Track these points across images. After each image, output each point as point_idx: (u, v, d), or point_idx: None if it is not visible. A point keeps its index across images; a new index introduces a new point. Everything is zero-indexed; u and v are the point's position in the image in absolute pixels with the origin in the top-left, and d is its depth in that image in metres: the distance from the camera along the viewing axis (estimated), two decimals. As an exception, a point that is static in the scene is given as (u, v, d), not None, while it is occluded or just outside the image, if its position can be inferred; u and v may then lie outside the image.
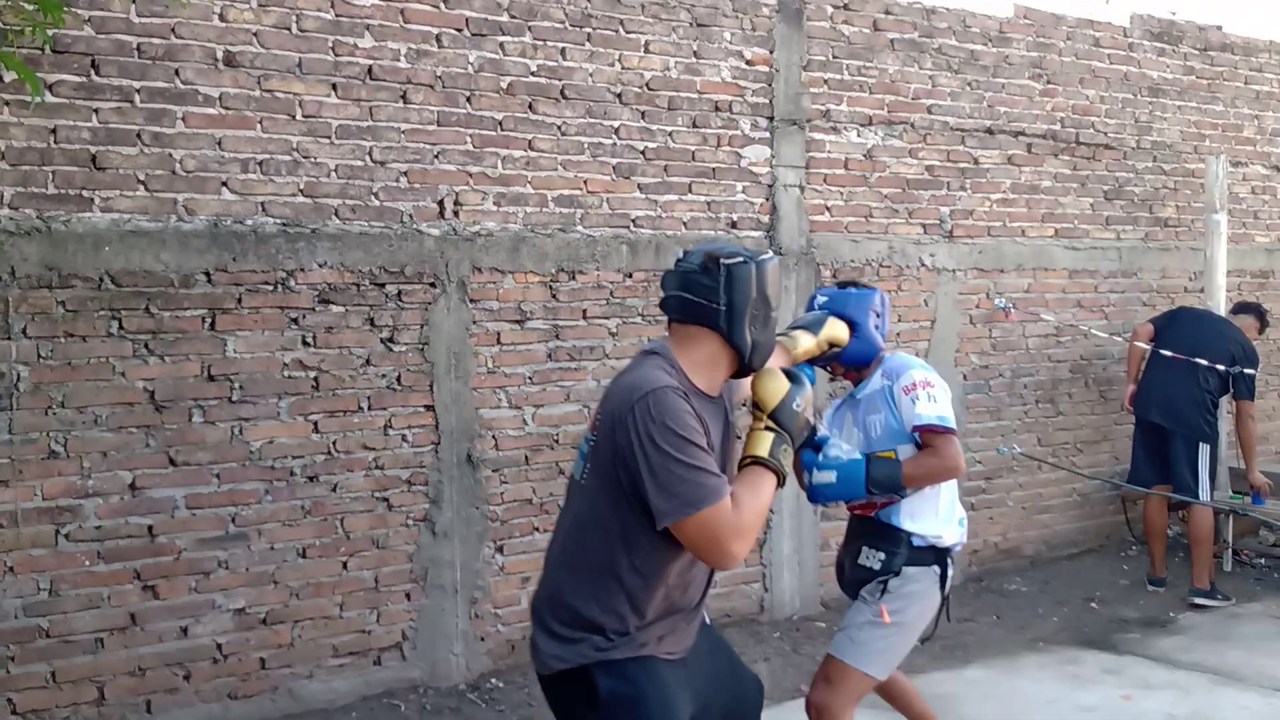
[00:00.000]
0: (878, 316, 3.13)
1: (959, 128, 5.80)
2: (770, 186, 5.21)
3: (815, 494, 3.03)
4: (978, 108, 5.85)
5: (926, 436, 3.02)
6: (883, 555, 3.10)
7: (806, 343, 2.79)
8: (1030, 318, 6.05)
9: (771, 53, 5.17)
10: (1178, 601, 5.58)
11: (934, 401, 3.01)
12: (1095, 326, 6.28)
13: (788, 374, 2.35)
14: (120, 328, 3.82)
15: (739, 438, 2.39)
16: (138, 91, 3.83)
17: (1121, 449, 6.50)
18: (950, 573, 3.15)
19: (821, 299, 3.15)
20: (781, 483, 2.28)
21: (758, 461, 2.26)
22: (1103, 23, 6.32)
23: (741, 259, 2.25)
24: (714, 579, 2.43)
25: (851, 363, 3.15)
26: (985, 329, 5.95)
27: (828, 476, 2.96)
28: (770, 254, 2.35)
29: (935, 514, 3.12)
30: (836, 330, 2.92)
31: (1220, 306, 6.21)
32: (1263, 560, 6.25)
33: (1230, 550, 6.10)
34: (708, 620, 2.51)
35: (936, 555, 3.12)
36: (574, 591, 2.24)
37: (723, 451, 2.32)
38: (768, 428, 2.28)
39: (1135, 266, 6.52)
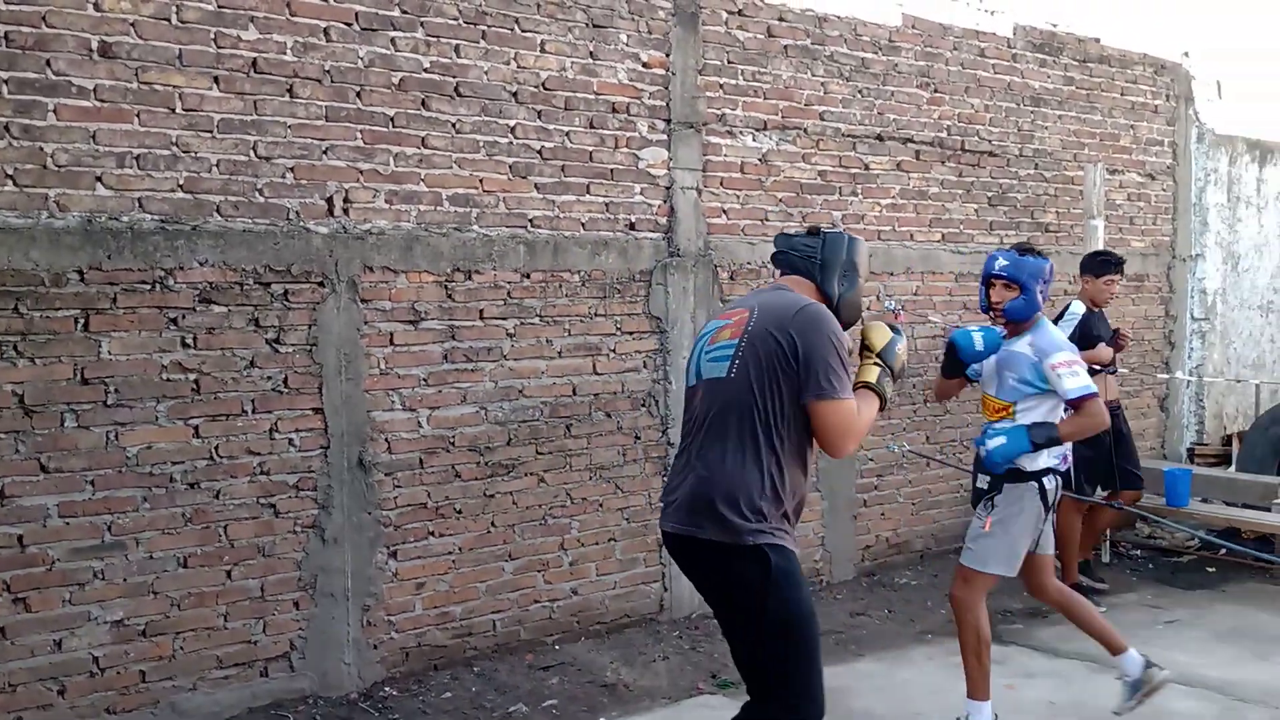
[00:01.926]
0: (1044, 284, 3.88)
1: (850, 134, 5.92)
2: (668, 189, 5.24)
3: (990, 456, 3.83)
4: (868, 115, 5.99)
5: (1075, 403, 3.81)
6: (988, 478, 3.93)
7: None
8: (919, 319, 6.21)
9: (668, 56, 5.21)
10: (1059, 592, 5.78)
11: (1076, 376, 3.80)
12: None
13: (890, 328, 3.03)
14: (-15, 328, 3.65)
15: None
16: (5, 82, 3.65)
17: (1007, 446, 6.71)
18: (1051, 486, 3.89)
19: (1003, 261, 3.89)
20: (883, 405, 2.94)
21: (867, 386, 2.93)
22: (987, 33, 6.53)
23: (838, 230, 3.02)
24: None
25: (1013, 317, 3.90)
26: (877, 330, 6.08)
27: (999, 440, 3.81)
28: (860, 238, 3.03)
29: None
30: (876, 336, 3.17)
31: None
32: (1139, 552, 6.54)
33: (1109, 543, 6.35)
34: None
35: (1031, 475, 3.86)
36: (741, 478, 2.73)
37: None
38: (875, 363, 2.95)
39: (1019, 270, 6.74)
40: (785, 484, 2.75)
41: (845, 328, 2.89)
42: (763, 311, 2.82)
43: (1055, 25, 6.89)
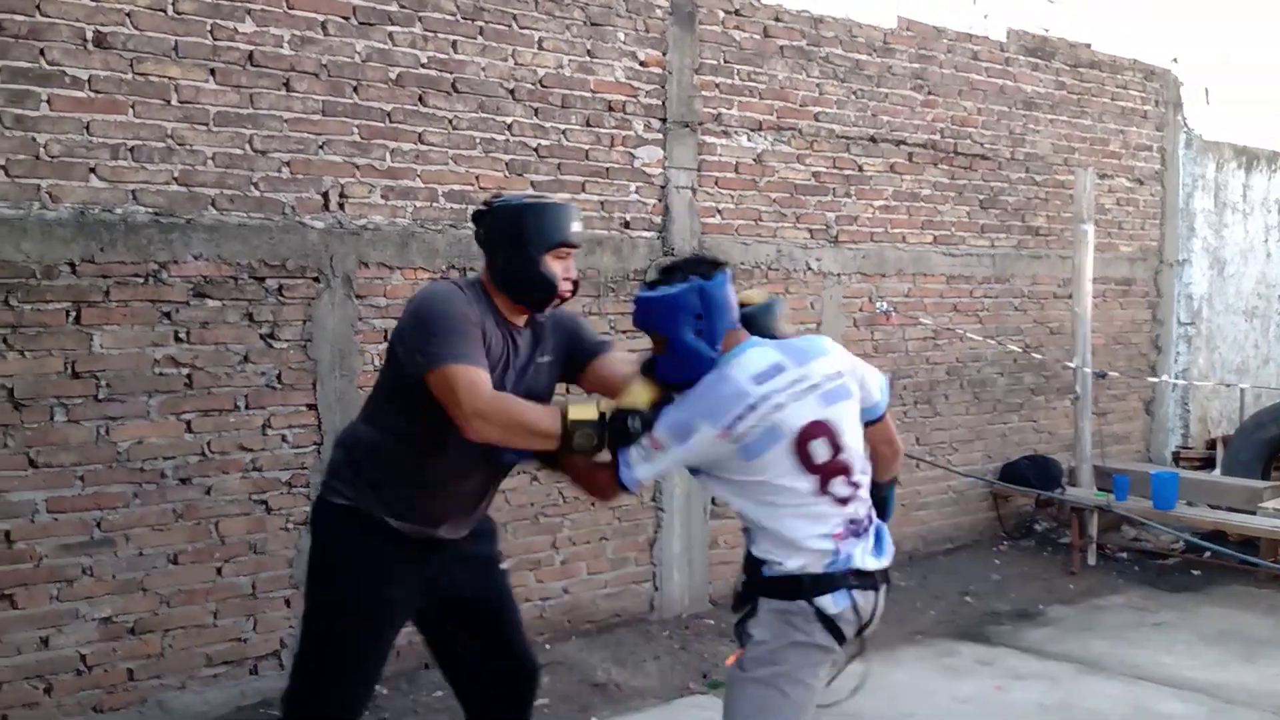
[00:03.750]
0: (699, 319, 2.42)
1: (844, 135, 5.93)
2: (663, 188, 5.23)
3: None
4: (862, 116, 5.99)
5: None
6: (743, 579, 2.49)
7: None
8: (910, 321, 6.23)
9: (664, 55, 5.19)
10: (1046, 594, 5.82)
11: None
12: (970, 330, 6.51)
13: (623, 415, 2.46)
14: (-24, 321, 3.60)
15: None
16: (-2, 70, 3.61)
17: (994, 448, 6.75)
18: (838, 610, 2.40)
19: (632, 308, 2.56)
20: (564, 444, 2.46)
21: (563, 415, 2.47)
22: (981, 37, 6.55)
23: (504, 202, 2.71)
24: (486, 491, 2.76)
25: (674, 383, 2.48)
26: (868, 331, 6.10)
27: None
28: (552, 200, 2.79)
29: (774, 528, 2.42)
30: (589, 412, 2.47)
31: (1087, 312, 6.50)
32: (1125, 554, 6.58)
33: (1095, 545, 6.39)
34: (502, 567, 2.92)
35: (795, 585, 2.39)
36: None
37: (504, 374, 2.64)
38: (602, 414, 2.47)
39: (1008, 273, 6.78)
40: (377, 454, 2.66)
41: (536, 308, 2.65)
42: None
43: (1047, 30, 6.92)
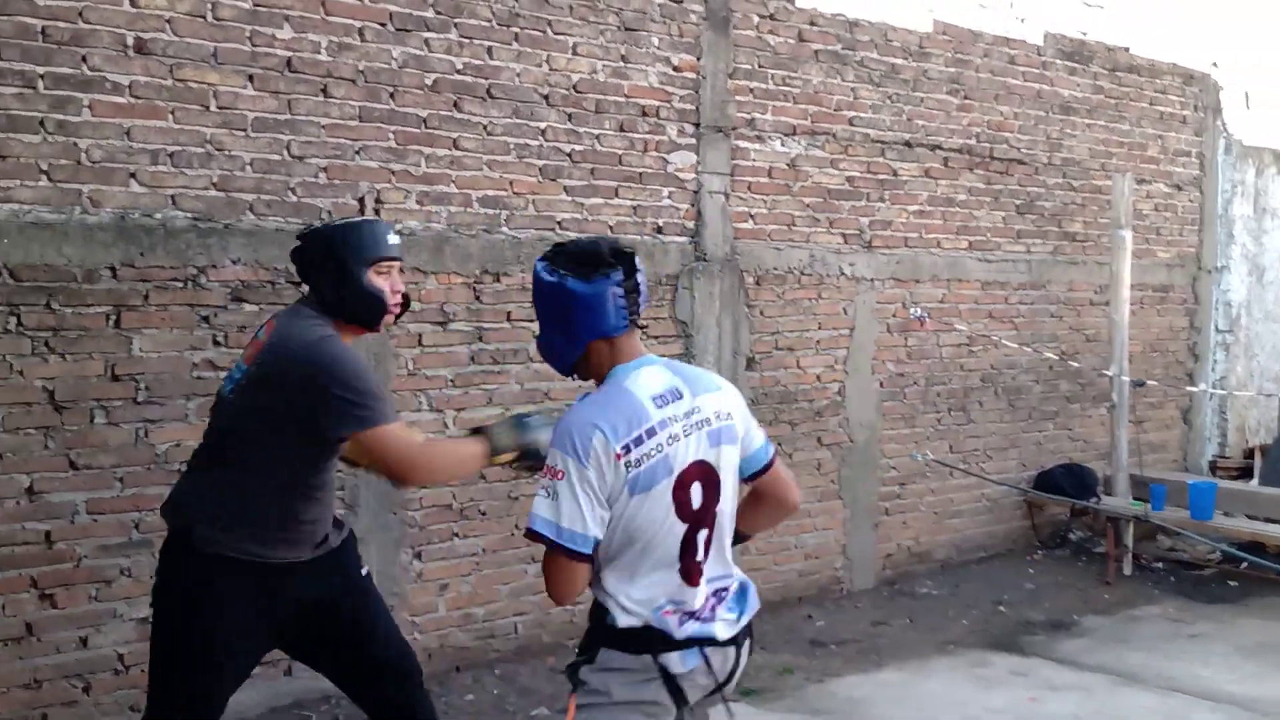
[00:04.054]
0: (564, 311, 2.19)
1: (879, 140, 5.89)
2: (696, 193, 5.23)
3: None
4: (897, 121, 5.95)
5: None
6: (589, 626, 2.23)
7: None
8: (944, 327, 6.18)
9: (699, 59, 5.19)
10: (1081, 604, 5.76)
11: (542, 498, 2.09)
12: (1005, 337, 6.45)
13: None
14: (19, 324, 3.64)
15: None
16: (41, 77, 3.65)
17: (1028, 456, 6.69)
18: (684, 670, 2.14)
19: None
20: (491, 453, 2.67)
21: (480, 430, 2.72)
22: (1018, 41, 6.49)
23: (317, 228, 2.80)
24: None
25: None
26: (901, 337, 6.06)
27: None
28: (365, 219, 2.89)
29: (623, 575, 2.15)
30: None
31: (1124, 319, 6.43)
32: (1160, 564, 6.50)
33: (1130, 555, 6.31)
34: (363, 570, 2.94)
35: (641, 639, 2.13)
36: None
37: None
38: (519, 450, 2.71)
39: (1044, 279, 6.72)
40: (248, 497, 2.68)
41: (369, 326, 2.73)
42: (276, 346, 2.65)
43: (1085, 34, 6.85)
